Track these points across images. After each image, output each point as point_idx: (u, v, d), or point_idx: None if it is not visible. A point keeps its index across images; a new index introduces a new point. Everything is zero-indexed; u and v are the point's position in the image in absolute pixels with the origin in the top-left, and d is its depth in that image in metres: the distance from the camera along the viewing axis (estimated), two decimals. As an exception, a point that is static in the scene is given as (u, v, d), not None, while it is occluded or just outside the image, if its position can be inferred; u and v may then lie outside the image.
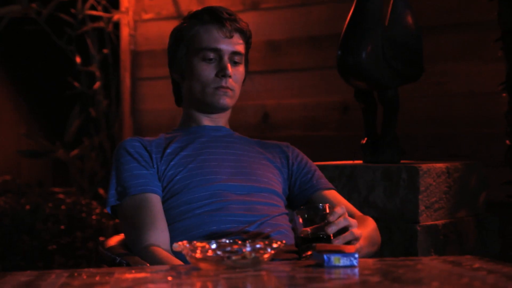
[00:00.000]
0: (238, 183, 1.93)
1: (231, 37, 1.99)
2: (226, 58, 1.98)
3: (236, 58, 2.00)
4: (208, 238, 1.82)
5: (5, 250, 3.84)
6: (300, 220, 1.68)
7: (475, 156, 3.20)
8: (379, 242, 1.93)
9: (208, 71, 1.98)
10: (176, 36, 2.05)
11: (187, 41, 2.02)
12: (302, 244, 1.67)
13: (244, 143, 2.05)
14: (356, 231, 1.68)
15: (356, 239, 1.68)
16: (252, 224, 1.85)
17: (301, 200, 2.02)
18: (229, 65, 1.97)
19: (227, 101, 1.99)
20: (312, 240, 1.64)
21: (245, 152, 2.02)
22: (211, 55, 1.98)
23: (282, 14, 3.83)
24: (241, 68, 2.02)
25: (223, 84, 1.97)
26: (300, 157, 2.08)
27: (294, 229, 1.88)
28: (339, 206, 1.68)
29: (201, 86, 1.99)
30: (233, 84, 1.99)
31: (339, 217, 1.66)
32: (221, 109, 2.02)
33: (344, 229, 1.67)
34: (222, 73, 1.97)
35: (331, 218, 1.65)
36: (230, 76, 1.97)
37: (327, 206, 1.69)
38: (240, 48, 2.00)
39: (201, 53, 1.98)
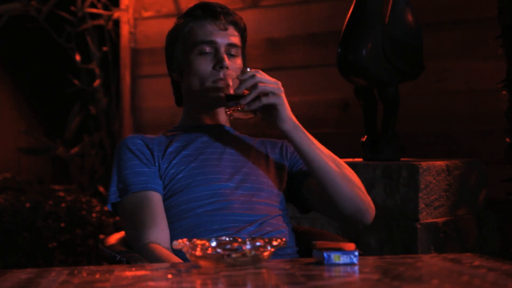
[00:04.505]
0: (238, 182, 1.92)
1: (226, 29, 1.98)
2: (222, 50, 1.96)
3: (233, 51, 1.98)
4: (209, 237, 1.81)
5: (5, 248, 3.83)
6: (229, 80, 1.85)
7: (475, 153, 3.19)
8: (353, 179, 1.93)
9: (205, 64, 1.96)
10: (172, 36, 2.05)
11: (183, 39, 2.01)
12: (227, 101, 1.86)
13: (244, 142, 2.04)
14: (261, 76, 1.80)
15: (272, 92, 1.81)
16: (252, 224, 1.85)
17: (297, 182, 2.00)
18: (225, 57, 1.95)
19: None
20: (231, 97, 1.83)
21: (246, 152, 2.01)
22: (207, 48, 1.97)
23: (282, 11, 3.83)
24: (238, 61, 2.00)
25: (221, 76, 1.94)
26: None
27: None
28: (253, 69, 1.81)
29: (200, 80, 1.97)
30: None
31: (250, 76, 1.79)
32: (222, 102, 2.00)
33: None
34: (219, 65, 1.95)
35: (240, 77, 1.80)
36: (227, 68, 1.95)
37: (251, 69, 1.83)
38: (236, 40, 1.99)
39: (197, 48, 1.97)
